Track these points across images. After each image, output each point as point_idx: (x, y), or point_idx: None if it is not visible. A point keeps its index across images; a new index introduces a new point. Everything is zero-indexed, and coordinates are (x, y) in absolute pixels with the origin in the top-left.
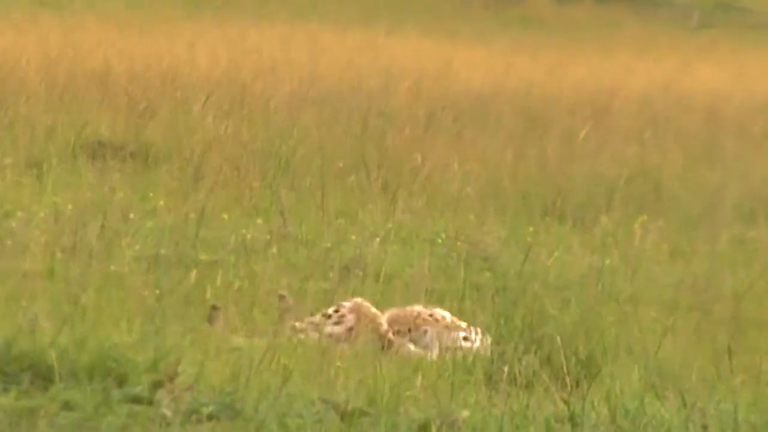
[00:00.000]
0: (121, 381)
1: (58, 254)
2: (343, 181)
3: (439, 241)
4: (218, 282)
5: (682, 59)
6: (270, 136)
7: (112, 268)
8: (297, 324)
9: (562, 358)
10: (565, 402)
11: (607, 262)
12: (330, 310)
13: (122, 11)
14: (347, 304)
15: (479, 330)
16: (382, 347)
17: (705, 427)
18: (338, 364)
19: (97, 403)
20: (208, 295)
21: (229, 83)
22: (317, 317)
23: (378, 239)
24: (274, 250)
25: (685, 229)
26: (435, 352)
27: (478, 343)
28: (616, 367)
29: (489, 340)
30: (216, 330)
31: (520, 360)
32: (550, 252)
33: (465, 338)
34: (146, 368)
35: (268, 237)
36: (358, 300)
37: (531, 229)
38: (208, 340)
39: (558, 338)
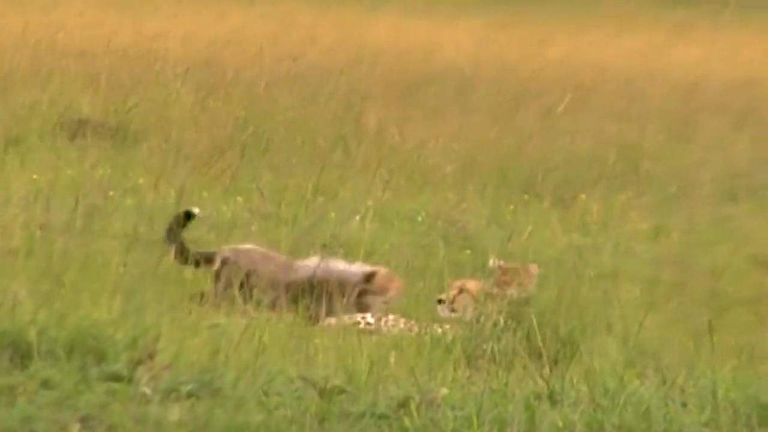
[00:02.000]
0: (101, 359)
1: (38, 232)
2: (323, 160)
3: (419, 218)
4: None
5: (661, 36)
6: (250, 114)
7: (92, 246)
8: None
9: (542, 336)
10: (545, 380)
11: (587, 239)
12: None
13: None
14: None
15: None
16: None
17: (684, 405)
18: (317, 341)
19: (76, 380)
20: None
21: (210, 62)
22: None
23: (358, 217)
24: (254, 228)
25: (664, 206)
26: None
27: None
28: (596, 345)
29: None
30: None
31: (499, 338)
32: (530, 230)
33: None
34: (125, 346)
35: (248, 215)
36: None
37: (511, 207)
38: (187, 318)
39: (538, 316)
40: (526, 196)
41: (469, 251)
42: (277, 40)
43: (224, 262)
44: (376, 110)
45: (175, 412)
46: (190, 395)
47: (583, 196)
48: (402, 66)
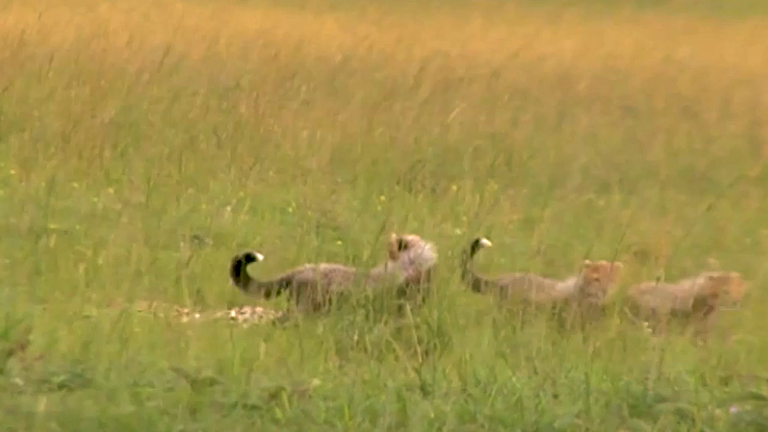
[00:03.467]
0: None
1: None
2: (194, 151)
3: (290, 210)
4: (69, 251)
5: (532, 28)
6: (123, 105)
7: None
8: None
9: (414, 327)
10: (416, 371)
11: (459, 230)
12: None
13: None
14: None
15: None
16: None
17: (556, 396)
18: (189, 332)
19: None
20: (69, 266)
21: (82, 54)
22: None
23: (229, 208)
24: (125, 219)
25: (536, 197)
26: None
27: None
28: (467, 336)
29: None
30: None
31: (371, 329)
32: (402, 221)
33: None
34: None
35: (120, 206)
36: None
37: (382, 197)
38: (59, 309)
39: (408, 307)
40: (397, 187)
41: (340, 242)
42: (146, 31)
43: (301, 283)
44: (249, 101)
45: (44, 403)
46: (62, 386)
47: (455, 187)
48: (273, 57)
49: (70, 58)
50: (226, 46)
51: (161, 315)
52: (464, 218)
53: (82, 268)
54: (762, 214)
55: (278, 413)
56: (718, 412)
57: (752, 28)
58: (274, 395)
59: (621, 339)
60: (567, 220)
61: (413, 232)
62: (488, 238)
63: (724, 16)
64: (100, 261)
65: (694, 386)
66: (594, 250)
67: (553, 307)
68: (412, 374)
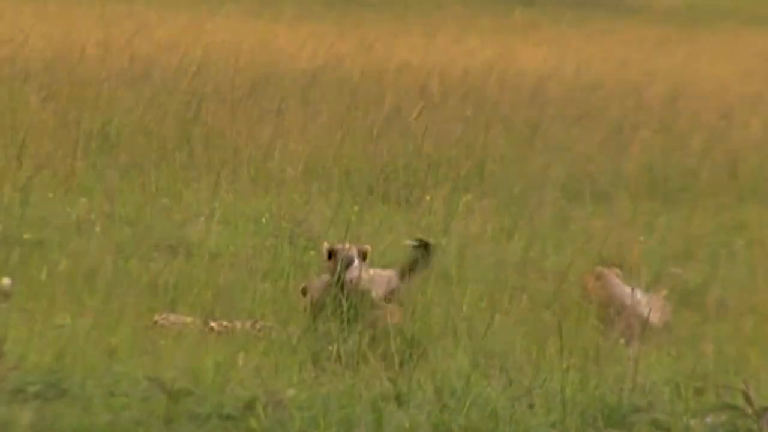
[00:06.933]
0: None
1: None
2: (167, 160)
3: (264, 220)
4: (43, 260)
5: (504, 39)
6: (95, 115)
7: None
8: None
9: (389, 337)
10: (392, 381)
11: (432, 240)
12: None
13: None
14: None
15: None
16: None
17: (531, 406)
18: (162, 342)
19: None
20: (43, 275)
21: (55, 63)
22: None
23: (202, 218)
24: (99, 229)
25: (509, 208)
26: None
27: None
28: (442, 347)
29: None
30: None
31: (345, 340)
32: (375, 231)
33: None
34: None
35: (93, 216)
36: None
37: (355, 208)
38: (33, 318)
39: (384, 318)
40: (370, 198)
41: (313, 252)
42: (123, 41)
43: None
44: (221, 111)
45: (26, 416)
46: (37, 396)
47: (428, 198)
48: (246, 67)
49: (43, 67)
50: (198, 55)
51: (137, 325)
52: (437, 229)
53: (56, 277)
54: (736, 225)
55: (253, 423)
56: (693, 422)
57: (725, 38)
58: (249, 405)
59: (595, 349)
60: (539, 231)
61: (386, 242)
62: (461, 248)
63: (697, 26)
64: (74, 271)
65: (669, 396)
66: (568, 260)
67: None
68: (387, 384)
